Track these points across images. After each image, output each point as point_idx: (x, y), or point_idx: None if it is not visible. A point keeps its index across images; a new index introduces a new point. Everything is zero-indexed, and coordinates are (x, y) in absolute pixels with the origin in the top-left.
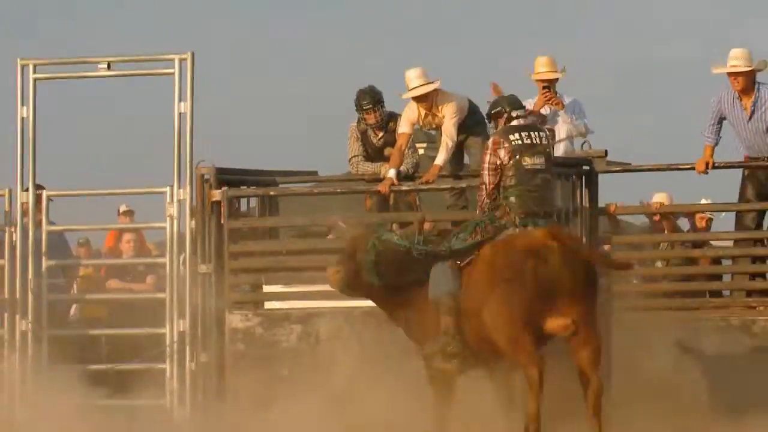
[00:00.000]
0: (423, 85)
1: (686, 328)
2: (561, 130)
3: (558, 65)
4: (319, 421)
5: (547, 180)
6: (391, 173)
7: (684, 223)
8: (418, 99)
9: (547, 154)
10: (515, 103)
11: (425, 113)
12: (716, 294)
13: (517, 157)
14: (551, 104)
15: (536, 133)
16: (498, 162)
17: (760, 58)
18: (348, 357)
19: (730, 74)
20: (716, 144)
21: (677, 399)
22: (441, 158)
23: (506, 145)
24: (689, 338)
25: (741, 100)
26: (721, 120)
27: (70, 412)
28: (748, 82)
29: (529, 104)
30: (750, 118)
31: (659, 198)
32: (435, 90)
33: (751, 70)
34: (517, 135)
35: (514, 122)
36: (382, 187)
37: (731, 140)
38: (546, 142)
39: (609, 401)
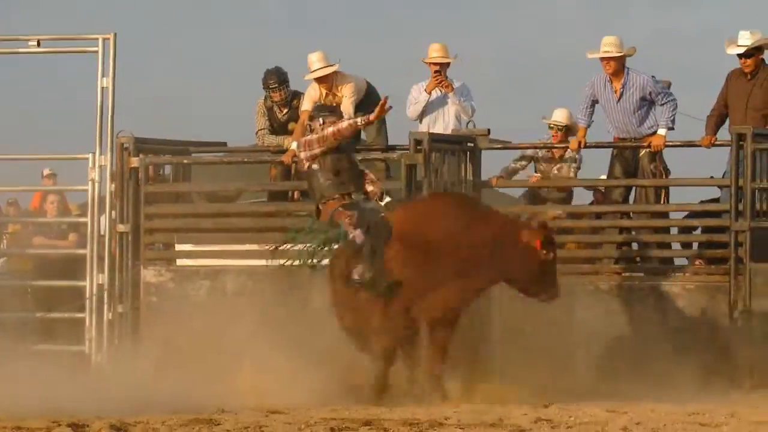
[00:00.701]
0: (324, 67)
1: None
2: (451, 111)
3: (450, 52)
4: (222, 371)
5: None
6: (294, 145)
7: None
8: (319, 80)
9: None
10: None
11: (326, 93)
12: (589, 261)
13: None
14: (441, 87)
15: None
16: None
17: (630, 45)
18: (252, 311)
19: (602, 59)
20: (589, 126)
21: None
22: None
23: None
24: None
25: (612, 83)
26: (594, 103)
27: None
28: (618, 66)
29: (422, 86)
30: (619, 99)
31: (559, 114)
32: (335, 72)
33: (621, 56)
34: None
35: None
36: (285, 158)
37: (602, 124)
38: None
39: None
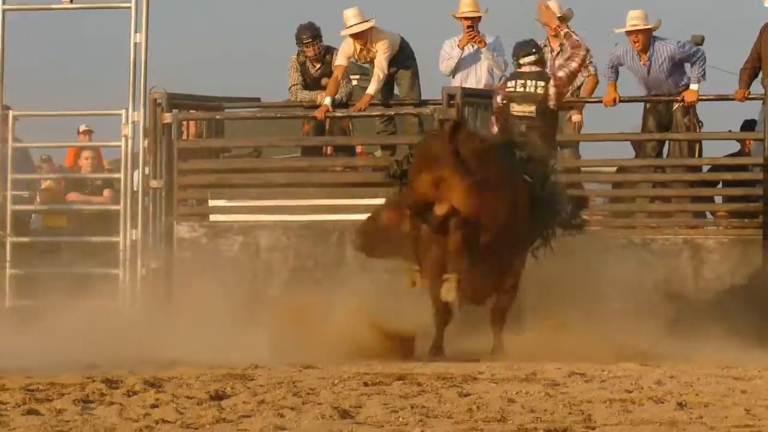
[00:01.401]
0: (359, 23)
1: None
2: (483, 66)
3: (480, 6)
4: (255, 324)
5: (535, 127)
6: (327, 101)
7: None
8: (354, 35)
9: (540, 103)
10: (525, 50)
11: (360, 48)
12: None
13: (506, 102)
14: (474, 42)
15: (535, 82)
16: (495, 106)
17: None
18: (284, 266)
19: (629, 33)
20: (616, 80)
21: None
22: (372, 88)
23: (502, 91)
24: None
25: (639, 55)
26: (618, 66)
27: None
28: (646, 40)
29: (454, 42)
30: (649, 71)
31: (634, 15)
32: (370, 28)
33: (649, 29)
34: (513, 83)
35: (523, 68)
36: (319, 114)
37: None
38: (542, 91)
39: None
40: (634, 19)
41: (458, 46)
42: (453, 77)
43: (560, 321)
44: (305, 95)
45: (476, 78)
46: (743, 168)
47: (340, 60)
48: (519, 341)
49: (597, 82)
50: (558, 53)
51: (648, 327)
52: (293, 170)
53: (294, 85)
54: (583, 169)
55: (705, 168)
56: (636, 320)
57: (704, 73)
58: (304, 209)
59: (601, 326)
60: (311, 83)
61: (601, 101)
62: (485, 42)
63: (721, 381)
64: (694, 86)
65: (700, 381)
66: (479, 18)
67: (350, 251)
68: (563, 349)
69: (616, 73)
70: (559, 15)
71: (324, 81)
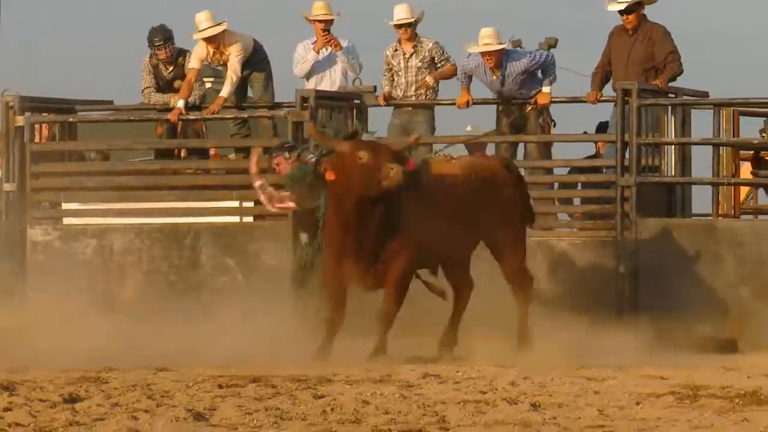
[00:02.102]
0: (211, 26)
1: None
2: (338, 69)
3: (333, 9)
4: (108, 326)
5: None
6: (180, 104)
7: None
8: (207, 39)
9: None
10: None
11: (213, 51)
12: None
13: None
14: (330, 45)
15: None
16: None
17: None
18: (138, 269)
19: (483, 53)
20: (469, 84)
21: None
22: (226, 91)
23: None
24: None
25: (492, 71)
26: (470, 77)
27: None
28: (498, 58)
29: (309, 44)
30: (502, 85)
31: (401, 11)
32: (222, 31)
33: (500, 48)
34: None
35: None
36: (172, 116)
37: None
38: None
39: None
40: (486, 38)
41: (313, 49)
42: (307, 80)
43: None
44: (158, 98)
45: (330, 80)
46: (597, 170)
47: (193, 63)
48: None
49: (455, 71)
50: (412, 54)
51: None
52: (147, 173)
53: (147, 87)
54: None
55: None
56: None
57: (555, 76)
58: (158, 212)
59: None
60: (164, 86)
61: (453, 103)
62: (341, 45)
63: (575, 382)
64: (546, 89)
65: (554, 381)
66: (332, 20)
67: (204, 254)
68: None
69: (470, 79)
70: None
71: (177, 84)
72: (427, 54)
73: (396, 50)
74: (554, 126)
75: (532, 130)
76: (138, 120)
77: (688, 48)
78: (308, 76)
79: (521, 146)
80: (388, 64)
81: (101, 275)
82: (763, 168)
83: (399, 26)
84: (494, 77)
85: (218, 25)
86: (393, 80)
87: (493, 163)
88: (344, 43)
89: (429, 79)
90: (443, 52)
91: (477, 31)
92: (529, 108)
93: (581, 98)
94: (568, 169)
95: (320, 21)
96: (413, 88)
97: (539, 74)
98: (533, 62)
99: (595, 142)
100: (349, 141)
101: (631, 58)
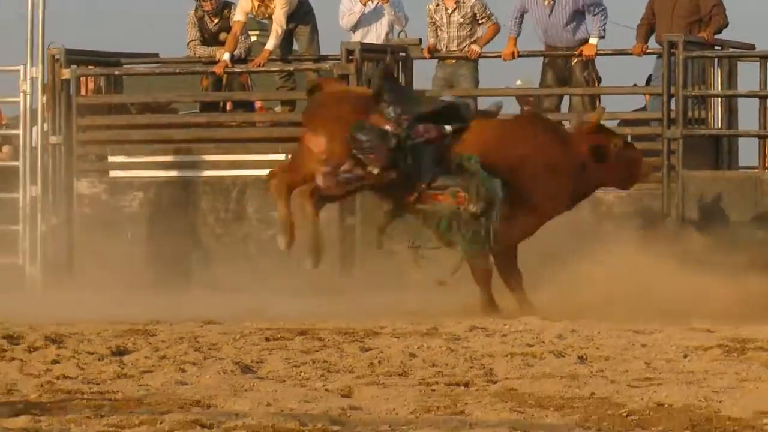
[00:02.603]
0: None
1: None
2: (384, 21)
3: None
4: (153, 278)
5: None
6: (226, 56)
7: None
8: None
9: None
10: None
11: (258, 4)
12: None
13: None
14: None
15: None
16: None
17: None
18: (185, 222)
19: None
20: (518, 35)
21: None
22: (271, 44)
23: None
24: None
25: None
26: (523, 14)
27: None
28: None
29: None
30: (551, 12)
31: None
32: None
33: None
34: None
35: None
36: (218, 69)
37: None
38: None
39: None
40: None
41: (360, 1)
42: (354, 32)
43: None
44: (203, 51)
45: (377, 34)
46: (644, 123)
47: (238, 16)
48: None
49: (498, 30)
50: (454, 10)
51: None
52: (192, 126)
53: (192, 40)
54: None
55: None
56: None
57: (605, 28)
58: (204, 165)
59: None
60: (209, 39)
61: (499, 56)
62: None
63: (622, 335)
64: (593, 40)
65: (601, 335)
66: None
67: (251, 206)
68: None
69: (519, 27)
70: None
71: (222, 36)
72: (469, 10)
73: (438, 5)
74: (599, 82)
75: (577, 83)
76: (183, 73)
77: (733, 0)
78: (354, 28)
79: (566, 99)
80: (431, 18)
81: (147, 227)
82: None
83: None
84: (545, 4)
85: None
86: (437, 34)
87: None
88: None
89: (475, 47)
90: (485, 8)
91: None
92: (575, 61)
93: (627, 50)
94: (617, 122)
95: None
96: (455, 43)
97: (587, 22)
98: None
99: (645, 95)
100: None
101: (676, 10)
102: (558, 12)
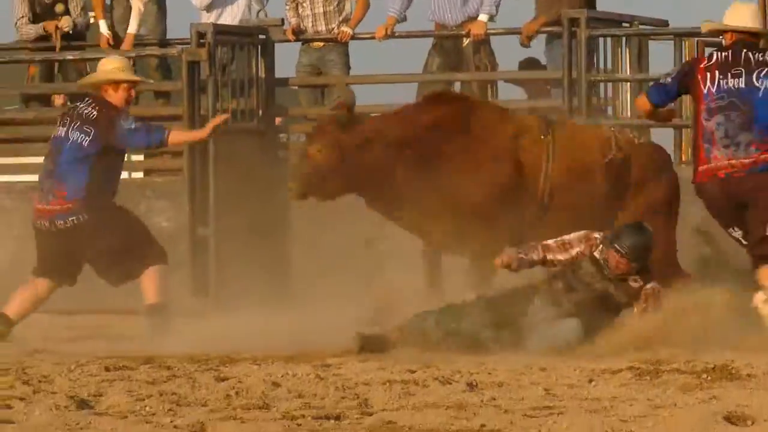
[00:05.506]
0: None
1: None
2: (241, 0)
3: None
4: None
5: None
6: (105, 30)
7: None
8: None
9: None
10: None
11: None
12: None
13: None
14: None
15: None
16: None
17: None
18: (9, 233)
19: None
20: (400, 18)
21: None
22: (133, 26)
23: None
24: None
25: None
26: None
27: None
28: None
29: None
30: None
31: None
32: None
33: None
34: None
35: None
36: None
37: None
38: None
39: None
40: None
41: None
42: (207, 12)
43: None
44: (30, 30)
45: (232, 14)
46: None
47: None
48: None
49: (368, 5)
50: None
51: None
52: (17, 123)
53: (21, 17)
54: None
55: None
56: None
57: (497, 6)
58: (32, 168)
59: None
60: (42, 13)
61: (372, 37)
62: None
63: (518, 357)
64: (483, 17)
65: (494, 358)
66: None
67: None
68: None
69: (407, 5)
70: None
71: (59, 8)
72: None
73: None
74: (495, 67)
75: (468, 68)
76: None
77: None
78: (209, 8)
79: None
80: None
81: None
82: None
83: None
84: None
85: None
86: (298, 12)
87: None
88: None
89: (346, 29)
90: None
91: None
92: (465, 42)
93: (519, 30)
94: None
95: None
96: (322, 22)
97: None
98: None
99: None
100: None
101: None
102: None
